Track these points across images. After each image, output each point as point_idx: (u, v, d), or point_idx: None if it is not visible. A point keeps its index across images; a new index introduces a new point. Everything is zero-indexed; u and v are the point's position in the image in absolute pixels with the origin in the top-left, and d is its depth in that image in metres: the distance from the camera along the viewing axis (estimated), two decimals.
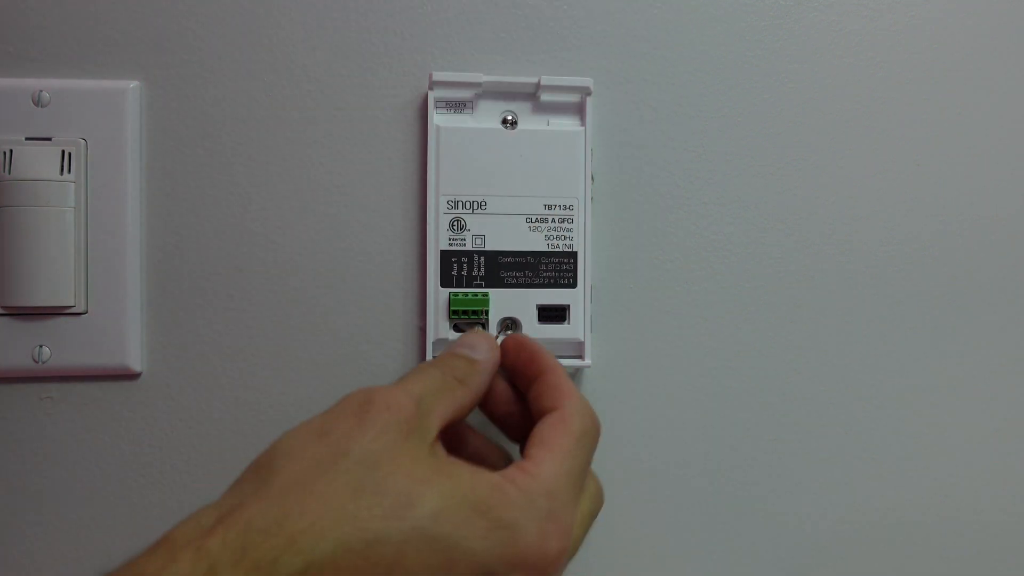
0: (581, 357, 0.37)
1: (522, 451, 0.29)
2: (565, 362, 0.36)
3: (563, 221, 0.37)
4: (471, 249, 0.36)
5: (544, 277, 0.37)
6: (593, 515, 0.30)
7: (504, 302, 0.36)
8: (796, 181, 0.40)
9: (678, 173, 0.39)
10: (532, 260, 0.36)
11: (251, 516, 0.22)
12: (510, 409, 0.33)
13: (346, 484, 0.23)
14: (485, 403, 0.32)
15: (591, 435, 0.29)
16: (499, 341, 0.33)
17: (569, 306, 0.37)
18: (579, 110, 0.37)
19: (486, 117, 0.37)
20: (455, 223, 0.36)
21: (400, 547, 0.23)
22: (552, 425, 0.29)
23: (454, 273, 0.36)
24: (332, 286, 0.37)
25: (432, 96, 0.36)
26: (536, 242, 0.36)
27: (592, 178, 0.37)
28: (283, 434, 0.26)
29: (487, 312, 0.36)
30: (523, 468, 0.27)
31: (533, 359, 0.32)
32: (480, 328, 0.35)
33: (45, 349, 0.35)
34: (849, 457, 0.41)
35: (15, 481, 0.36)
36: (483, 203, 0.36)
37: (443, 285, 0.36)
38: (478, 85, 0.36)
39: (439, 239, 0.36)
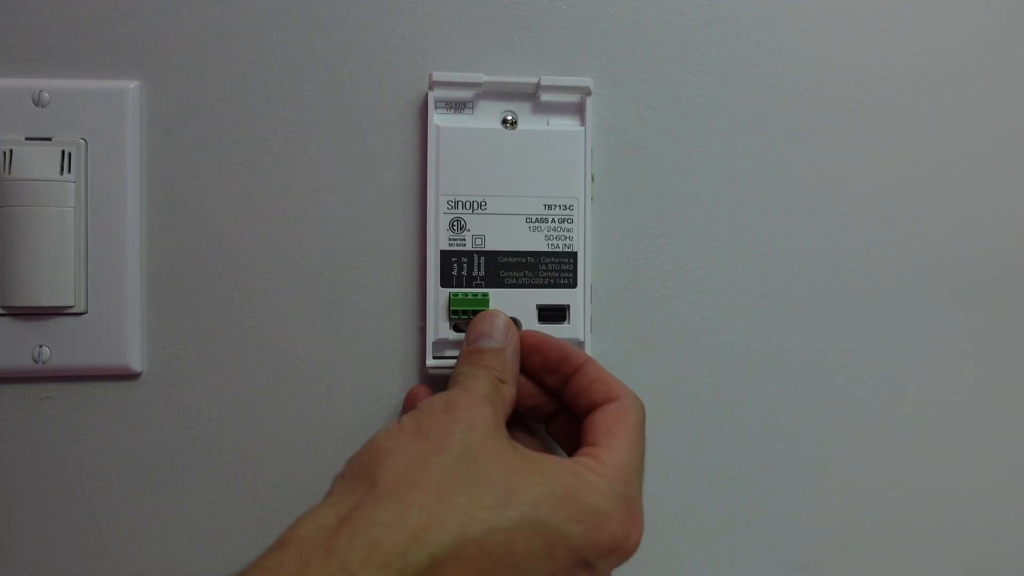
0: None
1: (582, 439, 0.31)
2: None
3: (563, 221, 0.37)
4: (471, 249, 0.36)
5: (544, 277, 0.37)
6: None
7: (504, 302, 0.36)
8: (796, 181, 0.40)
9: (678, 173, 0.39)
10: (532, 260, 0.36)
11: (372, 513, 0.23)
12: (536, 402, 0.34)
13: (452, 478, 0.25)
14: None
15: (644, 424, 0.31)
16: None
17: (569, 306, 0.37)
18: (579, 110, 0.37)
19: (486, 117, 0.37)
20: (455, 223, 0.36)
21: (509, 535, 0.24)
22: (615, 416, 0.31)
23: (454, 273, 0.36)
24: (332, 286, 0.37)
25: (432, 96, 0.36)
26: (536, 242, 0.36)
27: (592, 178, 0.37)
28: (377, 435, 0.27)
29: None
30: (598, 457, 0.28)
31: (567, 356, 0.33)
32: (484, 312, 0.35)
33: (45, 349, 0.35)
34: (850, 457, 0.41)
35: (15, 481, 0.36)
36: (483, 203, 0.36)
37: (443, 285, 0.36)
38: (478, 85, 0.36)
39: (439, 239, 0.36)
